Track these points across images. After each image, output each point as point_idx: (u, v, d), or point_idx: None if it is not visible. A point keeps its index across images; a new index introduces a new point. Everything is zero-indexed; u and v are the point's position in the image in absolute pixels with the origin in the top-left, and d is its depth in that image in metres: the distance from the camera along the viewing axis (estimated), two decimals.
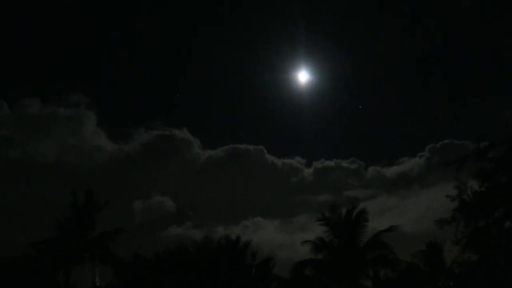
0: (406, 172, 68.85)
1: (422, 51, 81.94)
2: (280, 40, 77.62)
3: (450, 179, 21.95)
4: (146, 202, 60.76)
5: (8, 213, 41.60)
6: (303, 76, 63.76)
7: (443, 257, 25.55)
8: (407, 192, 63.29)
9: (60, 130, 69.69)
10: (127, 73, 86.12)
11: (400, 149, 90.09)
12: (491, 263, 19.70)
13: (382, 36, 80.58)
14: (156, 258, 28.51)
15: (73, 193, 28.76)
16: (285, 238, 51.01)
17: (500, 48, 71.27)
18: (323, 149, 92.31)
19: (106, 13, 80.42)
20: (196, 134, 76.09)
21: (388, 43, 79.64)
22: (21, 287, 26.56)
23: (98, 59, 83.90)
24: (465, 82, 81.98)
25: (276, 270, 29.78)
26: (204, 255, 28.51)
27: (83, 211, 28.39)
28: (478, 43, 78.51)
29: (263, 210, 62.47)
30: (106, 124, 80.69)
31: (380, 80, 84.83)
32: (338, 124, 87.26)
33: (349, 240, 26.23)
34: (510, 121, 21.89)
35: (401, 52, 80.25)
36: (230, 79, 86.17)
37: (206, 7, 78.60)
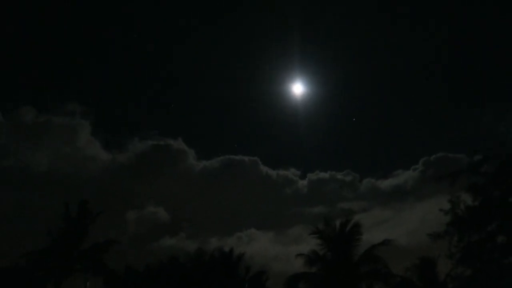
0: (400, 185, 68.83)
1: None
2: (275, 52, 77.99)
3: (445, 192, 22.04)
4: (139, 212, 60.23)
5: None
6: (298, 88, 63.94)
7: (437, 271, 25.43)
8: (401, 204, 63.14)
9: (55, 139, 69.11)
10: (122, 82, 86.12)
11: (394, 162, 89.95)
12: (485, 278, 19.67)
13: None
14: (148, 270, 28.28)
15: (66, 203, 28.59)
16: (279, 250, 50.68)
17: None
18: (318, 161, 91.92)
19: (103, 23, 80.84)
20: (191, 144, 75.85)
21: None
22: None
23: (93, 68, 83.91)
24: (461, 92, 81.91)
25: (270, 282, 29.70)
26: (197, 268, 28.31)
27: (76, 221, 28.17)
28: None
29: (257, 221, 62.17)
30: (100, 133, 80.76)
31: (375, 93, 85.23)
32: (333, 136, 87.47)
33: (343, 254, 26.11)
34: (504, 134, 22.13)
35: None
36: (225, 90, 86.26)
37: (202, 14, 78.99)
